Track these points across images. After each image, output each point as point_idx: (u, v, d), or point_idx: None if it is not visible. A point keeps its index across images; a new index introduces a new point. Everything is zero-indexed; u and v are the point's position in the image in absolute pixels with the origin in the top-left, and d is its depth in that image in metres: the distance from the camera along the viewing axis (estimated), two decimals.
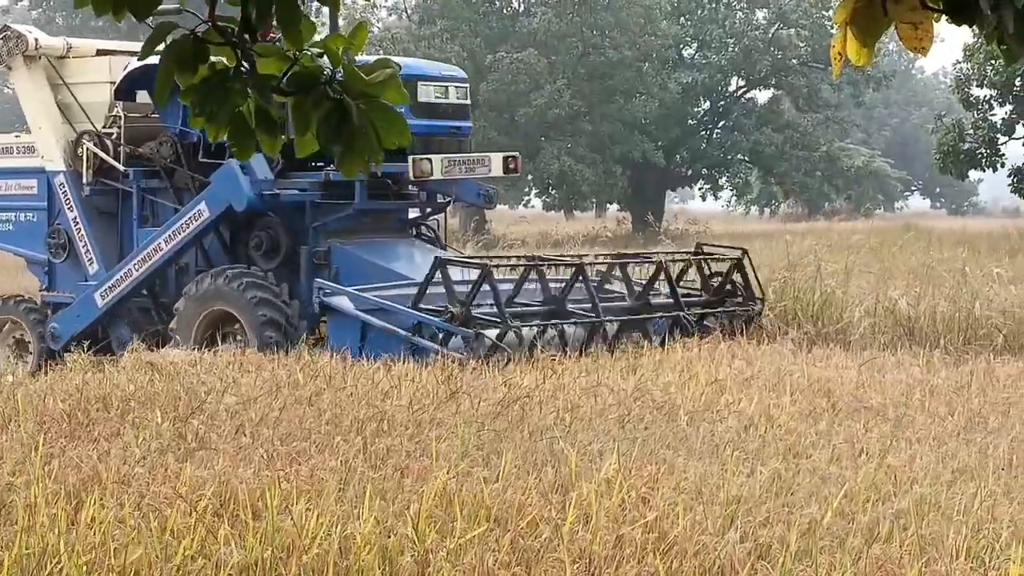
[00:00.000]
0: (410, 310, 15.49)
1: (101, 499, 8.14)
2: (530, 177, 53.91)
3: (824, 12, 55.44)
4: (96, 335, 18.30)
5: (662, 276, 17.40)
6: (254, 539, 7.45)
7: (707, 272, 18.23)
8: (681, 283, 17.95)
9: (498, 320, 15.30)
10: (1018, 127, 44.62)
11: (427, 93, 17.44)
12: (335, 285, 16.27)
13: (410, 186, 18.02)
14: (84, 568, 7.23)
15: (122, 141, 18.33)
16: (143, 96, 18.41)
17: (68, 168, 18.65)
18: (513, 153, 18.61)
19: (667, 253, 19.44)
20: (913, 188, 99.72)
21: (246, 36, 4.12)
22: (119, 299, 18.10)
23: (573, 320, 16.08)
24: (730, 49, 57.35)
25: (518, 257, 17.99)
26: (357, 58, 4.37)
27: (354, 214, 17.40)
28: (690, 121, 59.36)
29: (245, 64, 4.20)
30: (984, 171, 45.57)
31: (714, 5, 58.84)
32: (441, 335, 15.27)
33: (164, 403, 11.49)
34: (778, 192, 69.32)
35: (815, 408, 12.00)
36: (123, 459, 9.32)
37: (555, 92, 50.24)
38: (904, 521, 8.05)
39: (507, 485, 8.55)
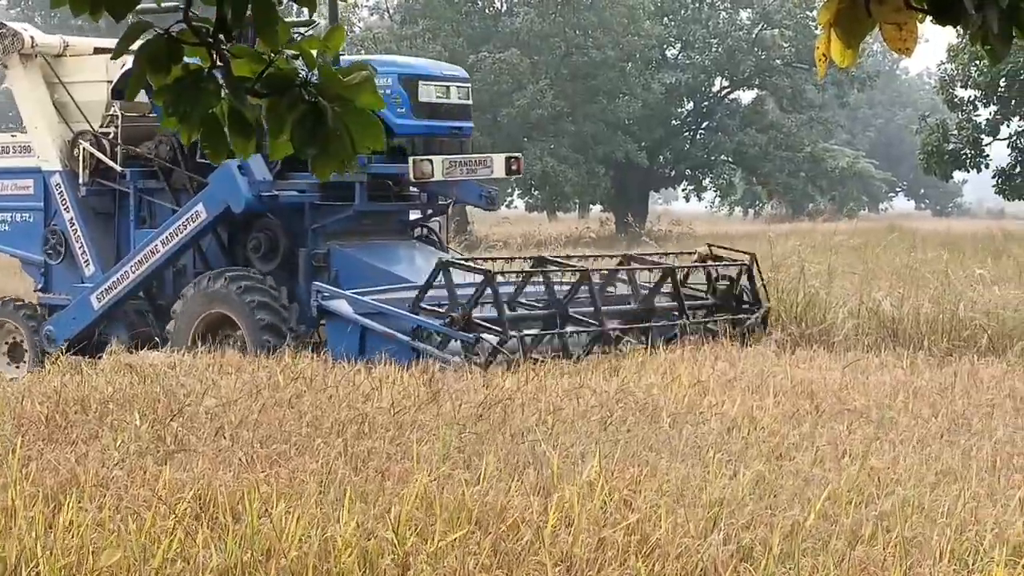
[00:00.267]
0: (409, 314, 15.35)
1: (79, 502, 8.12)
2: (512, 178, 53.89)
3: (808, 12, 55.58)
4: (92, 337, 18.18)
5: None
6: (233, 542, 7.44)
7: (715, 276, 18.09)
8: (686, 285, 17.76)
9: (498, 329, 15.15)
10: (1002, 128, 44.73)
11: (428, 93, 17.30)
12: (333, 288, 16.13)
13: (411, 187, 17.87)
14: (62, 572, 7.20)
15: (119, 141, 18.20)
16: (141, 95, 18.36)
17: (64, 168, 18.53)
18: (515, 154, 18.47)
19: (675, 254, 19.29)
20: (898, 189, 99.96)
21: (221, 36, 4.10)
22: (116, 301, 17.95)
23: (574, 331, 15.94)
24: (714, 49, 57.47)
25: (523, 259, 17.67)
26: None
27: (354, 216, 17.26)
28: (673, 122, 59.45)
29: (220, 65, 4.19)
30: (968, 172, 45.69)
31: (697, 5, 58.95)
32: (439, 338, 15.14)
33: (143, 405, 11.46)
34: (762, 193, 69.45)
35: (798, 410, 12.00)
36: (101, 462, 9.29)
37: (538, 92, 50.26)
38: (887, 523, 8.05)
39: (488, 487, 8.54)
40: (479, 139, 48.73)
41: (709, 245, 18.96)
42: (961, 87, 43.75)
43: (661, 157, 59.06)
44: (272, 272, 17.17)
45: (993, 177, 45.08)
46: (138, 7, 4.10)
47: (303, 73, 4.27)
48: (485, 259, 17.46)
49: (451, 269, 15.45)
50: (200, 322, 16.94)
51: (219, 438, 10.26)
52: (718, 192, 69.12)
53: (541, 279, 16.28)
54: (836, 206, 68.67)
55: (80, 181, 18.43)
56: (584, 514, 7.94)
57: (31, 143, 18.83)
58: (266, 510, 7.93)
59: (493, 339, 14.98)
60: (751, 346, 16.31)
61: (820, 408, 12.13)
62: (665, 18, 58.19)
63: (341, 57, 17.28)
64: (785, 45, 55.88)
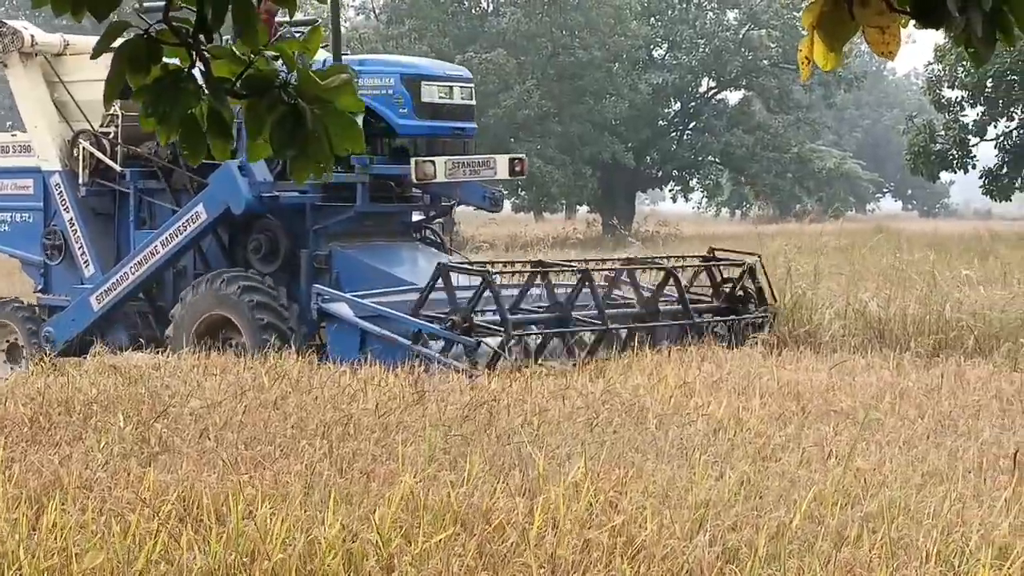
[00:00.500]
0: (410, 317, 15.22)
1: (63, 504, 8.10)
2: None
3: (795, 13, 55.62)
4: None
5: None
6: (217, 544, 7.42)
7: (719, 278, 17.96)
8: (690, 292, 17.60)
9: (500, 329, 15.05)
10: (989, 128, 44.82)
11: (431, 93, 17.18)
12: (334, 291, 16.03)
13: (413, 188, 17.71)
14: (45, 574, 7.18)
15: (119, 141, 18.08)
16: None
17: (64, 168, 18.39)
18: (519, 155, 18.35)
19: (679, 258, 19.18)
20: (885, 190, 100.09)
21: (201, 37, 4.09)
22: (115, 303, 17.81)
23: (579, 329, 15.82)
24: (701, 50, 57.52)
25: (523, 263, 17.48)
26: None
27: (356, 217, 17.12)
28: (660, 122, 59.49)
29: (200, 65, 4.17)
30: (955, 173, 45.78)
31: (684, 5, 59.00)
32: (442, 343, 15.02)
33: (127, 407, 11.43)
34: (749, 194, 69.53)
35: (784, 411, 12.00)
36: (85, 464, 9.27)
37: (524, 93, 50.27)
38: (873, 524, 8.05)
39: (474, 489, 8.53)
40: None
41: (712, 249, 18.80)
42: (948, 87, 43.85)
43: (648, 158, 59.10)
44: (273, 274, 17.04)
45: (980, 178, 45.18)
46: (144, 5, 4.09)
47: (283, 75, 4.26)
48: (484, 263, 17.34)
49: (451, 272, 15.37)
50: (199, 325, 16.79)
51: (203, 440, 10.24)
52: (705, 193, 69.17)
53: (540, 281, 16.11)
54: (823, 207, 68.79)
55: (80, 181, 18.29)
56: (569, 516, 7.94)
57: (31, 142, 18.68)
58: (250, 512, 7.92)
59: (494, 343, 14.88)
60: (752, 348, 16.24)
61: (806, 409, 12.13)
62: (652, 18, 58.23)
63: (344, 57, 17.27)
64: (772, 46, 55.94)
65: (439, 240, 18.70)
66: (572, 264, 17.40)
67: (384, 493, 8.38)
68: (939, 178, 49.46)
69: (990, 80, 42.57)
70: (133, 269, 17.62)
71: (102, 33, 4.19)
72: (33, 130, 18.59)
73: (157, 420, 10.83)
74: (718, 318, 17.54)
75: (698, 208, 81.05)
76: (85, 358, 15.84)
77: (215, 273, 17.07)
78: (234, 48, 4.28)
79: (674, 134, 60.22)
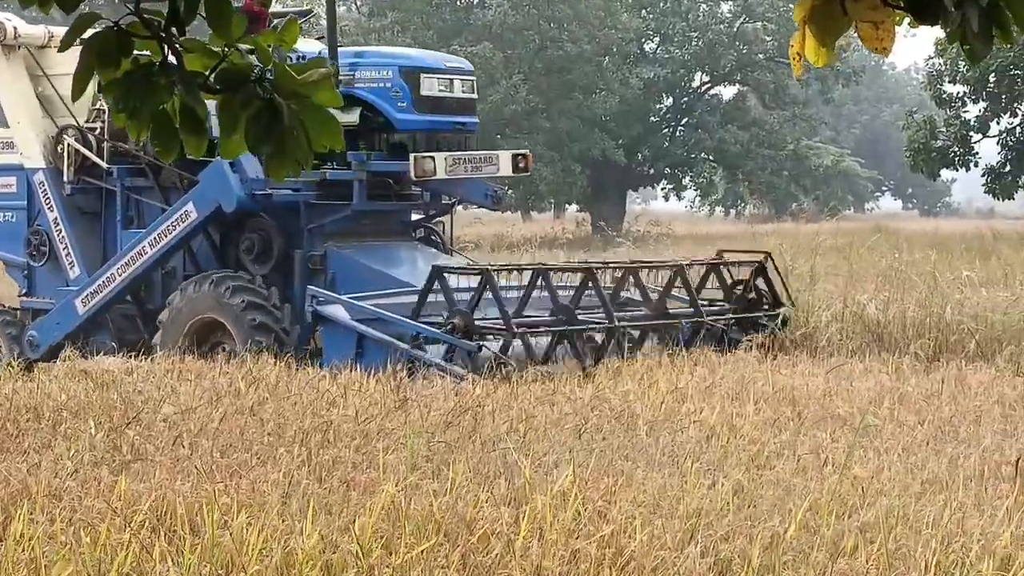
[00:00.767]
0: (409, 320, 15.10)
1: (31, 514, 8.08)
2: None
3: (791, 5, 55.66)
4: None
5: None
6: (192, 555, 7.42)
7: (729, 281, 17.78)
8: (700, 295, 17.41)
9: (504, 329, 14.91)
10: (992, 125, 44.89)
11: (430, 86, 17.06)
12: (329, 293, 15.92)
13: (412, 186, 17.54)
14: None
15: (106, 136, 17.98)
16: None
17: (48, 165, 18.25)
18: (523, 151, 18.28)
19: (685, 260, 19.02)
20: (884, 188, 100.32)
21: (173, 29, 4.09)
22: (102, 306, 17.65)
23: (586, 329, 15.69)
24: (694, 43, 57.53)
25: (523, 266, 17.15)
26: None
27: (352, 216, 16.98)
28: (652, 118, 59.50)
29: (172, 59, 4.17)
30: (957, 170, 45.86)
31: None
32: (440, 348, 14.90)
33: (98, 413, 11.42)
34: (744, 192, 69.61)
35: (779, 417, 12.02)
36: (54, 472, 9.26)
37: (511, 87, 50.29)
38: (871, 534, 8.06)
39: (457, 498, 8.54)
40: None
41: (720, 252, 18.62)
42: (949, 82, 43.91)
43: (639, 155, 59.11)
44: (266, 275, 16.91)
45: (982, 176, 45.25)
46: None
47: (258, 69, 4.26)
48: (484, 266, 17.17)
49: (449, 273, 15.22)
50: (189, 331, 16.67)
51: (177, 447, 10.24)
52: (698, 191, 69.23)
53: (542, 282, 15.90)
54: (820, 206, 68.93)
55: (65, 179, 18.15)
56: (556, 525, 7.94)
57: (13, 139, 18.52)
58: (226, 522, 7.91)
59: (495, 347, 14.74)
60: (747, 352, 16.19)
61: (802, 415, 12.15)
62: (643, 11, 58.24)
63: (340, 49, 17.20)
64: (768, 39, 56.00)
65: (439, 239, 18.58)
66: (575, 265, 17.19)
67: (364, 502, 8.38)
68: (940, 176, 49.56)
69: (993, 75, 42.66)
70: (120, 270, 17.47)
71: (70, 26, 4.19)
72: (16, 126, 18.45)
73: (129, 427, 10.83)
74: (735, 315, 17.33)
75: (691, 207, 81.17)
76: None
77: (202, 275, 16.96)
78: (207, 41, 4.29)
79: (666, 130, 60.25)
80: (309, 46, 17.54)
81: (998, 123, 45.11)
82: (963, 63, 42.00)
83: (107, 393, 12.44)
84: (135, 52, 4.14)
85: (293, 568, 7.38)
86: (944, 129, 44.01)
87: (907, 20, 4.02)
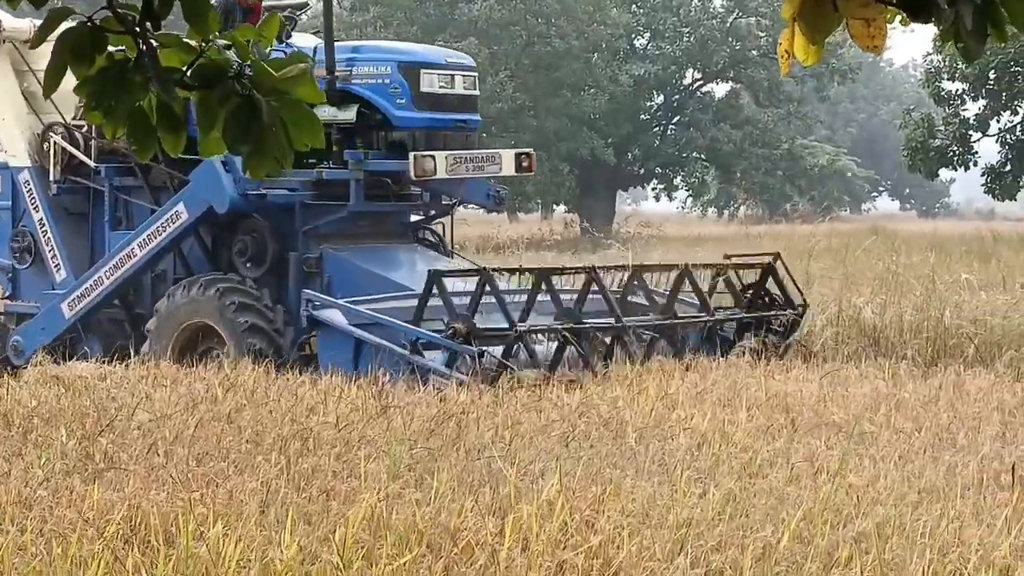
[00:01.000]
0: (410, 326, 14.95)
1: (0, 524, 8.08)
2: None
3: None
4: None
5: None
6: (166, 567, 7.43)
7: (739, 285, 17.57)
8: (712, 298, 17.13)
9: (508, 331, 14.75)
10: (992, 123, 44.95)
11: (431, 82, 16.91)
12: (325, 297, 15.78)
13: (411, 186, 17.42)
14: None
15: (93, 134, 17.82)
16: None
17: (34, 164, 18.14)
18: (527, 150, 18.19)
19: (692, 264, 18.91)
20: (881, 188, 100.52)
21: (148, 24, 4.09)
22: (89, 310, 17.54)
23: (592, 329, 15.58)
24: (685, 39, 57.64)
25: (523, 270, 16.88)
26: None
27: (349, 217, 16.86)
28: (642, 116, 59.58)
29: (147, 55, 4.18)
30: (956, 170, 45.94)
31: None
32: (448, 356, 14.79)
33: (70, 420, 11.41)
34: (737, 192, 69.69)
35: (773, 424, 12.04)
36: (24, 481, 9.25)
37: (497, 85, 50.31)
38: (865, 545, 8.08)
39: (441, 507, 8.55)
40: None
41: (727, 255, 18.45)
42: (948, 80, 43.98)
43: (629, 154, 59.18)
44: (260, 278, 16.80)
45: (982, 176, 45.31)
46: None
47: (236, 65, 4.27)
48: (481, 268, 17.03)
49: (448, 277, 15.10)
50: (178, 337, 16.57)
51: (152, 455, 10.24)
52: (690, 192, 69.30)
53: (545, 287, 15.66)
54: (815, 206, 69.03)
55: (51, 178, 18.02)
56: (542, 536, 7.96)
57: None
58: (201, 533, 7.92)
59: (497, 352, 14.69)
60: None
61: (796, 422, 12.17)
62: (633, 5, 58.33)
63: (337, 43, 17.13)
64: (761, 35, 56.10)
65: (439, 242, 18.48)
66: (579, 267, 17.01)
67: (345, 512, 8.39)
68: (938, 176, 49.67)
69: (993, 72, 42.73)
70: (108, 273, 17.36)
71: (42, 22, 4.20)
72: (0, 123, 18.43)
73: (102, 434, 10.82)
74: (752, 317, 17.17)
75: (683, 208, 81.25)
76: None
77: (190, 279, 16.85)
78: (184, 36, 4.30)
79: (657, 129, 60.31)
80: (305, 41, 17.52)
81: (998, 121, 45.19)
82: (962, 60, 42.03)
83: (80, 399, 12.43)
84: (110, 48, 4.15)
85: None
86: (943, 127, 44.07)
87: (899, 17, 4.03)
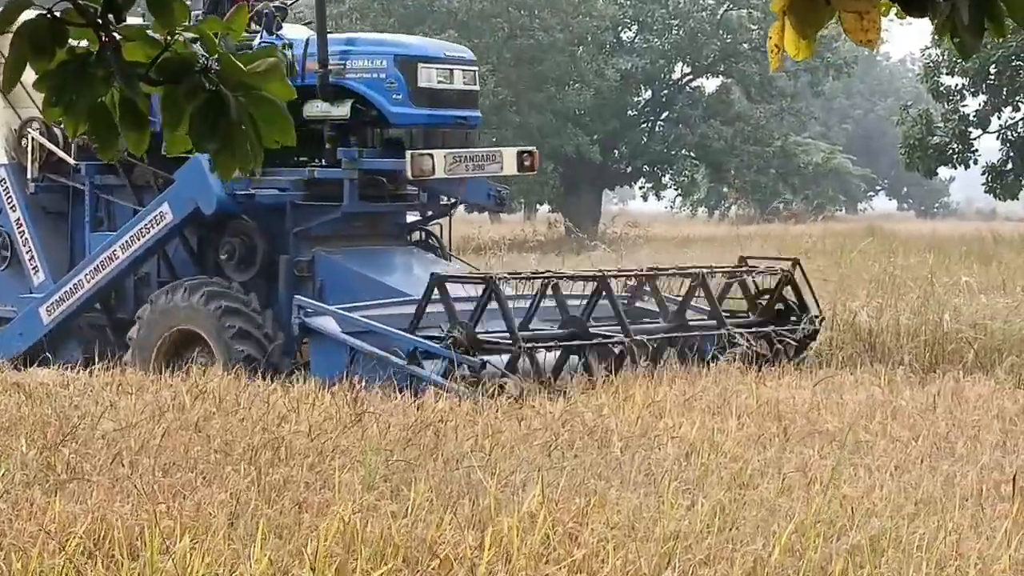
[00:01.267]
0: (406, 334, 14.83)
1: None
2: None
3: None
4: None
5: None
6: None
7: (754, 291, 17.50)
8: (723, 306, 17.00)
9: (510, 344, 14.59)
10: (993, 119, 45.00)
11: (428, 77, 16.81)
12: (317, 303, 15.68)
13: (408, 186, 17.36)
14: None
15: None
16: None
17: (11, 161, 18.10)
18: (529, 148, 18.13)
19: (707, 267, 18.75)
20: (878, 188, 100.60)
21: (110, 16, 4.09)
22: (68, 314, 17.46)
23: (600, 338, 15.42)
24: (674, 32, 57.65)
25: (531, 273, 16.62)
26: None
27: (342, 218, 16.79)
28: (629, 112, 59.56)
29: (110, 48, 4.17)
30: (955, 168, 45.97)
31: None
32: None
33: (31, 429, 11.40)
34: (728, 191, 69.74)
35: (764, 433, 12.06)
36: None
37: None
38: (860, 559, 8.11)
39: (417, 520, 8.56)
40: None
41: (742, 258, 18.25)
42: (947, 74, 44.01)
43: (616, 152, 59.18)
44: (248, 282, 16.69)
45: (983, 174, 45.34)
46: None
47: (203, 59, 4.26)
48: (484, 274, 16.88)
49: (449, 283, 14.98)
50: (162, 345, 16.48)
51: (116, 465, 10.23)
52: (679, 191, 69.31)
53: (551, 292, 15.61)
54: (809, 206, 69.15)
55: (28, 176, 17.97)
56: (524, 549, 7.97)
57: None
58: (167, 547, 7.92)
59: (499, 362, 14.52)
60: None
61: (788, 431, 12.19)
62: None
63: (331, 35, 17.04)
64: (753, 28, 56.14)
65: (438, 244, 18.38)
66: (587, 273, 16.81)
67: (318, 525, 8.39)
68: (937, 174, 49.68)
69: (993, 66, 42.76)
70: (89, 276, 17.27)
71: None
72: None
73: (64, 444, 10.81)
74: (762, 330, 16.94)
75: (671, 207, 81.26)
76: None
77: (173, 284, 16.75)
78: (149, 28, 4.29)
79: (645, 125, 60.31)
80: (297, 32, 17.46)
81: (999, 118, 45.23)
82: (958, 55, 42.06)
83: (41, 407, 12.41)
84: (71, 41, 4.14)
85: None
86: (942, 124, 44.11)
87: (894, 11, 4.03)
